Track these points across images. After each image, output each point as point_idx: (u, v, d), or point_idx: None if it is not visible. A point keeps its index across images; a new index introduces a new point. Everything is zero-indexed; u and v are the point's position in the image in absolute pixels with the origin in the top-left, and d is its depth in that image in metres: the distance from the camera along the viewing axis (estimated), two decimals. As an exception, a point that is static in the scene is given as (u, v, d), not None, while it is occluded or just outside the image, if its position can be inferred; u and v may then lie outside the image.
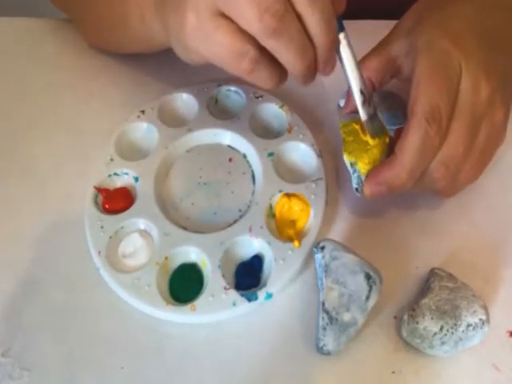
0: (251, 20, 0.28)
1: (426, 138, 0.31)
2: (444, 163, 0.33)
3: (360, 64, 0.34)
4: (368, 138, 0.35)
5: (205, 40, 0.30)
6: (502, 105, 0.33)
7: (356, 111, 0.35)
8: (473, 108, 0.32)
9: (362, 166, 0.35)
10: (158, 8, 0.36)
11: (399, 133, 0.33)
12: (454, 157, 0.32)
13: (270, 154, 0.41)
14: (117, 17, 0.42)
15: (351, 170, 0.35)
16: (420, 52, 0.33)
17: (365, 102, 0.33)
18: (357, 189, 0.35)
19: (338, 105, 0.45)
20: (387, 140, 0.35)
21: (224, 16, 0.29)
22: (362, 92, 0.33)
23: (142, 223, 0.38)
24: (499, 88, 0.33)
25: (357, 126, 0.36)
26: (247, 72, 0.30)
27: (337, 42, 0.31)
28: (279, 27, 0.28)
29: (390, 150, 0.35)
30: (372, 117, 0.34)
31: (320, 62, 0.31)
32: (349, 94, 0.36)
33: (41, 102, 0.47)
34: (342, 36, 0.31)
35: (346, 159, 0.35)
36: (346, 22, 0.32)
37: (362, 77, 0.33)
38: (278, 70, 0.31)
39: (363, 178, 0.35)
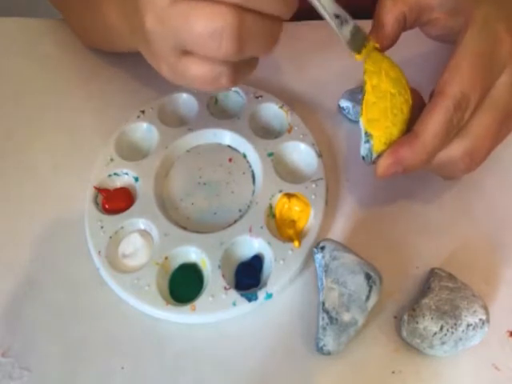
0: (212, 50, 0.27)
1: (450, 125, 0.31)
2: (470, 155, 0.32)
3: None
4: (386, 85, 0.33)
5: (182, 79, 0.31)
6: None
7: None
8: (506, 106, 0.31)
9: (377, 145, 0.33)
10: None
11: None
12: (480, 150, 0.32)
13: (270, 154, 0.41)
14: (104, 31, 0.43)
15: (364, 138, 0.33)
16: (471, 27, 0.31)
17: (343, 23, 0.32)
18: (363, 157, 0.34)
19: (338, 105, 0.45)
20: (408, 114, 0.33)
21: (190, 53, 0.29)
22: (336, 16, 0.32)
23: (142, 223, 0.38)
24: None
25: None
26: (229, 87, 0.31)
27: None
28: (240, 45, 0.27)
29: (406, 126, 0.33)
30: (353, 33, 0.33)
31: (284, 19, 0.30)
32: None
33: (40, 102, 0.47)
34: None
35: (362, 125, 0.33)
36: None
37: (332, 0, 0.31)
38: (255, 59, 0.31)
39: (374, 155, 0.33)
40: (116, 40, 0.42)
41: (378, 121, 0.33)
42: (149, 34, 0.29)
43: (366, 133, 0.33)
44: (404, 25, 0.35)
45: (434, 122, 0.31)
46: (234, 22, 0.26)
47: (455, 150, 0.32)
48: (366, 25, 0.35)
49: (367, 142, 0.33)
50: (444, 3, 0.34)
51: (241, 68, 0.30)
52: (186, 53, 0.29)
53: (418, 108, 0.33)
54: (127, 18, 0.34)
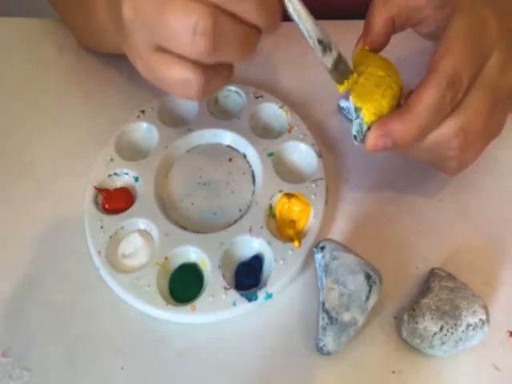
0: (184, 47, 0.27)
1: (442, 101, 0.30)
2: (464, 131, 0.31)
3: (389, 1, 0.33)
4: (374, 70, 0.33)
5: (155, 79, 0.31)
6: None
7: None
8: (495, 88, 0.31)
9: (367, 115, 0.32)
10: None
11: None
12: (474, 127, 0.32)
13: (270, 154, 0.41)
14: (95, 31, 0.43)
15: (354, 115, 0.33)
16: (459, 11, 0.31)
17: (326, 50, 0.31)
18: (355, 136, 0.34)
19: (338, 105, 0.45)
20: (398, 91, 0.33)
21: (163, 50, 0.29)
22: (320, 41, 0.31)
23: (142, 223, 0.38)
24: None
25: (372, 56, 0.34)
26: (199, 97, 0.30)
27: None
28: (213, 43, 0.27)
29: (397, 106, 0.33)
30: (336, 62, 0.32)
31: (265, 31, 0.29)
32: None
33: (40, 102, 0.47)
34: None
35: (352, 102, 0.33)
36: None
37: (316, 24, 0.30)
38: (230, 68, 0.31)
39: (364, 127, 0.33)
40: (107, 40, 0.42)
41: (366, 94, 0.33)
42: (125, 24, 0.29)
43: (355, 108, 0.33)
44: (393, 27, 0.35)
45: (426, 96, 0.30)
46: (208, 19, 0.26)
47: (448, 127, 0.32)
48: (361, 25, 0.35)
49: (357, 117, 0.33)
50: (432, 0, 0.34)
51: (212, 78, 0.29)
52: (159, 49, 0.29)
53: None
54: (113, 14, 0.34)
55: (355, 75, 0.33)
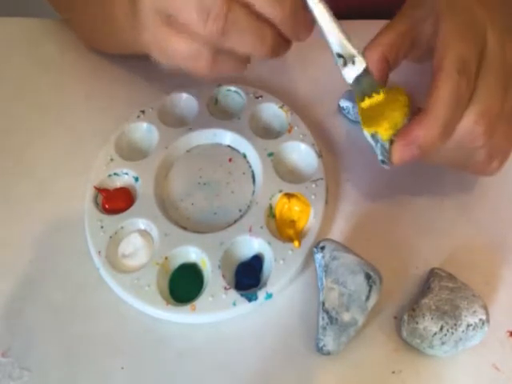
0: (197, 26, 0.28)
1: (458, 90, 0.30)
2: (485, 114, 0.31)
3: (375, 41, 0.33)
4: (376, 96, 0.32)
5: (163, 52, 0.31)
6: None
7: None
8: (502, 66, 0.31)
9: (384, 133, 0.32)
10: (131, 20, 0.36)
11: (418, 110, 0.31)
12: (493, 108, 0.31)
13: (270, 154, 0.41)
14: (105, 21, 0.42)
15: (373, 143, 0.33)
16: (443, 13, 0.32)
17: (346, 64, 0.31)
18: (383, 161, 0.33)
19: (339, 105, 0.45)
20: (406, 100, 0.33)
21: (174, 24, 0.29)
22: (340, 55, 0.31)
23: (142, 223, 0.38)
24: None
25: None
26: (207, 71, 0.30)
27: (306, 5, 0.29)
28: (225, 28, 0.28)
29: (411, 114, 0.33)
30: (360, 76, 0.32)
31: (287, 34, 0.30)
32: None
33: (40, 102, 0.47)
34: None
35: (366, 133, 0.33)
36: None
37: (342, 34, 0.30)
38: (241, 57, 0.31)
39: (387, 145, 0.32)
40: (118, 33, 0.41)
41: (376, 116, 0.32)
42: None
43: (371, 136, 0.33)
44: (389, 63, 0.35)
45: (441, 92, 0.30)
46: (223, 4, 0.27)
47: (468, 116, 0.31)
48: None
49: (377, 142, 0.32)
50: (419, 16, 0.35)
51: (222, 57, 0.30)
52: (170, 21, 0.29)
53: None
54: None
55: (381, 95, 0.32)
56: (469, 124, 0.31)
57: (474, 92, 0.31)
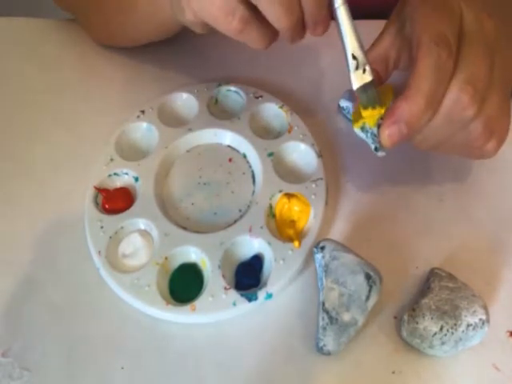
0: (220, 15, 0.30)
1: (438, 60, 0.30)
2: (470, 82, 0.30)
3: (371, 50, 0.34)
4: (378, 109, 0.33)
5: (200, 5, 0.32)
6: (508, 43, 0.32)
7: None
8: (483, 38, 0.31)
9: (369, 120, 0.32)
10: None
11: None
12: (477, 76, 0.31)
13: (270, 154, 0.41)
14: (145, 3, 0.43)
15: (364, 136, 0.33)
16: (417, 5, 0.32)
17: (358, 68, 0.32)
18: (376, 148, 0.33)
19: (339, 105, 0.45)
20: (390, 88, 0.33)
21: None
22: (354, 57, 0.31)
23: (142, 223, 0.38)
24: (501, 31, 0.32)
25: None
26: (237, 31, 0.32)
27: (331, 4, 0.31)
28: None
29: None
30: (367, 86, 0.32)
31: (308, 21, 0.31)
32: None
33: (41, 102, 0.47)
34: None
35: (356, 130, 0.34)
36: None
37: (358, 41, 0.31)
38: (268, 30, 0.32)
39: (376, 130, 0.32)
40: (157, 10, 0.42)
41: (360, 112, 0.33)
42: None
43: (361, 129, 0.33)
44: (380, 77, 0.35)
45: (422, 66, 0.30)
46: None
47: (453, 87, 0.31)
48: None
49: (366, 132, 0.33)
50: (399, 23, 0.34)
51: (252, 25, 0.31)
52: None
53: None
54: None
55: (382, 110, 0.33)
56: (454, 93, 0.31)
57: (457, 64, 0.31)
